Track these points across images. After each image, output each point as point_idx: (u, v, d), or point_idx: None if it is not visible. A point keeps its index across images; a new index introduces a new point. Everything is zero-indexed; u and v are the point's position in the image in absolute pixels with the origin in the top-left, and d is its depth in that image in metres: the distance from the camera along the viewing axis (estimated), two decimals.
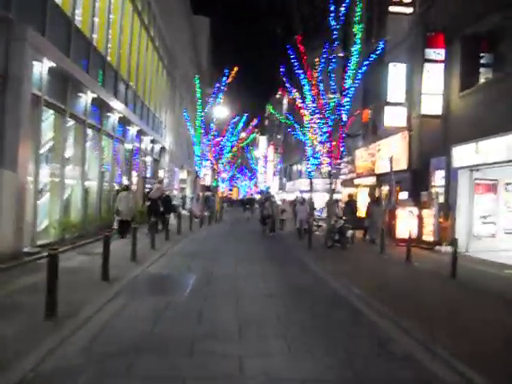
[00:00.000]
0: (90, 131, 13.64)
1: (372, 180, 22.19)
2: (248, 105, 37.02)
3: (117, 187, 16.28)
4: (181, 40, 32.51)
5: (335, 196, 27.53)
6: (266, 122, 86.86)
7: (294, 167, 52.05)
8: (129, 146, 18.49)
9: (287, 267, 10.08)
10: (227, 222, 27.98)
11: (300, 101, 19.57)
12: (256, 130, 46.50)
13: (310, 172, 21.78)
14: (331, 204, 15.74)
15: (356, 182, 24.50)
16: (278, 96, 65.07)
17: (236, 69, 24.02)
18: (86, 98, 12.76)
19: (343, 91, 14.51)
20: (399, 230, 15.91)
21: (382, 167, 20.52)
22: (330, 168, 15.44)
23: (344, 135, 14.97)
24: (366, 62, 14.42)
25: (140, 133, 19.90)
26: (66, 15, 11.23)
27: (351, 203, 18.40)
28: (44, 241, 10.19)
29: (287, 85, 21.91)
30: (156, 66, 23.40)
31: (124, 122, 17.04)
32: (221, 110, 25.86)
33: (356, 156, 24.53)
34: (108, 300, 6.14)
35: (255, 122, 32.98)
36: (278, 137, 69.24)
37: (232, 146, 33.27)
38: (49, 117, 11.02)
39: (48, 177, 11.17)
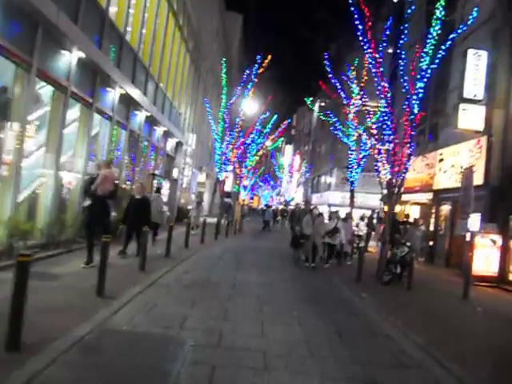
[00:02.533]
0: (74, 104, 10.20)
1: (428, 196, 18.22)
2: (277, 106, 33.10)
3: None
4: (210, 31, 29.33)
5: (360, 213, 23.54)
6: (293, 132, 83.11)
7: (322, 178, 48.10)
8: (134, 134, 15.07)
9: (345, 326, 6.26)
10: (247, 233, 24.25)
11: (355, 87, 15.91)
12: (284, 135, 42.65)
13: (352, 182, 17.91)
14: (389, 224, 11.85)
15: (404, 198, 20.51)
16: (309, 102, 61.35)
17: (269, 57, 20.48)
18: (69, 58, 9.33)
19: (416, 76, 10.74)
20: (477, 265, 11.94)
21: (444, 181, 16.60)
22: (390, 176, 11.57)
23: (413, 133, 11.17)
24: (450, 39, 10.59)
25: (151, 120, 16.48)
26: None
27: (393, 223, 14.67)
28: None
29: (330, 77, 18.32)
30: (178, 47, 20.06)
31: (128, 101, 13.62)
32: (249, 105, 22.31)
33: None
34: None
35: (286, 123, 29.30)
36: (306, 148, 65.30)
37: (258, 149, 29.74)
38: (3, 69, 7.62)
39: None
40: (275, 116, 28.56)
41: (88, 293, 5.94)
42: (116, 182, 9.66)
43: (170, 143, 21.02)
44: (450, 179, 16.13)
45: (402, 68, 11.12)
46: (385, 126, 11.31)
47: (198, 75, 26.33)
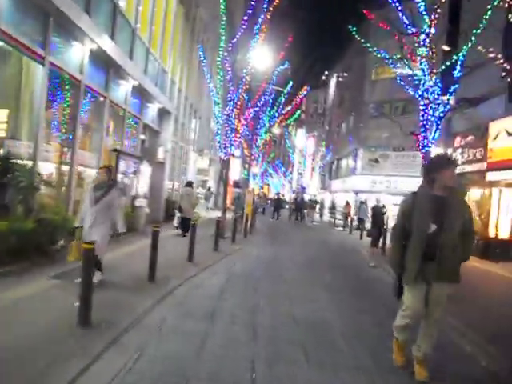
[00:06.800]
0: None
1: None
2: (293, 71, 26.01)
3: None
4: None
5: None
6: (303, 116, 75.74)
7: (343, 162, 41.64)
8: (65, 77, 8.86)
9: None
10: (264, 233, 18.04)
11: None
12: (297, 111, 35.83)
13: (426, 151, 11.35)
14: None
15: (490, 177, 14.17)
16: (324, 77, 54.66)
17: None
18: None
19: None
20: None
21: None
22: None
23: None
24: None
25: (105, 62, 10.32)
26: None
27: None
28: None
29: None
30: None
31: (43, 12, 7.46)
32: (259, 55, 15.88)
33: (491, 133, 14.27)
34: None
35: (307, 89, 22.94)
36: (318, 132, 58.32)
37: (270, 125, 23.54)
38: None
39: None
40: (290, 83, 22.24)
41: None
42: None
43: (150, 110, 14.82)
44: None
45: None
46: None
47: (191, 28, 19.96)
